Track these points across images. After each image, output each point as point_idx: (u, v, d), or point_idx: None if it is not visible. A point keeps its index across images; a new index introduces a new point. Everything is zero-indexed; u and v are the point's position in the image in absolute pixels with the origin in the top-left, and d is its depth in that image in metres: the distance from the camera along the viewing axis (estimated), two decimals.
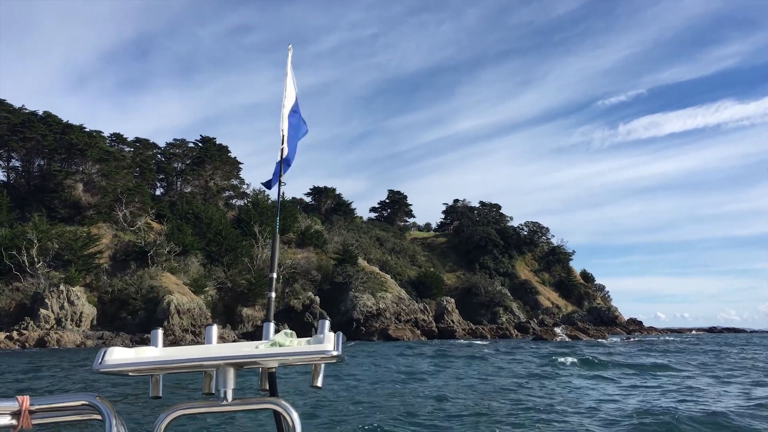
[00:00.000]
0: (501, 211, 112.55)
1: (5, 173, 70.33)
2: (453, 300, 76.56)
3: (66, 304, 51.62)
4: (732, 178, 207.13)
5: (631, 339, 65.20)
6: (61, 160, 68.83)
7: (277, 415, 2.00)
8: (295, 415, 1.89)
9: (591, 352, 33.77)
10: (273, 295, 2.81)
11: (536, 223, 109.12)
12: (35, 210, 61.10)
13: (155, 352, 1.99)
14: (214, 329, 2.16)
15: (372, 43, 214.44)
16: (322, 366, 1.99)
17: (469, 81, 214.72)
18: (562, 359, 25.52)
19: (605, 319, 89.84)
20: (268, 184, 3.33)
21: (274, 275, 2.86)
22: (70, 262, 54.96)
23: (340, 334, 1.97)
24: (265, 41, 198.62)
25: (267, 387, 2.14)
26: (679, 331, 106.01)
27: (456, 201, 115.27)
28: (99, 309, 54.43)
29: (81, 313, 52.09)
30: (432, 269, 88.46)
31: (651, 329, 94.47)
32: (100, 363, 1.90)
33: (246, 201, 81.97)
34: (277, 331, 2.21)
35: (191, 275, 61.15)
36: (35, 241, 53.60)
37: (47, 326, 49.53)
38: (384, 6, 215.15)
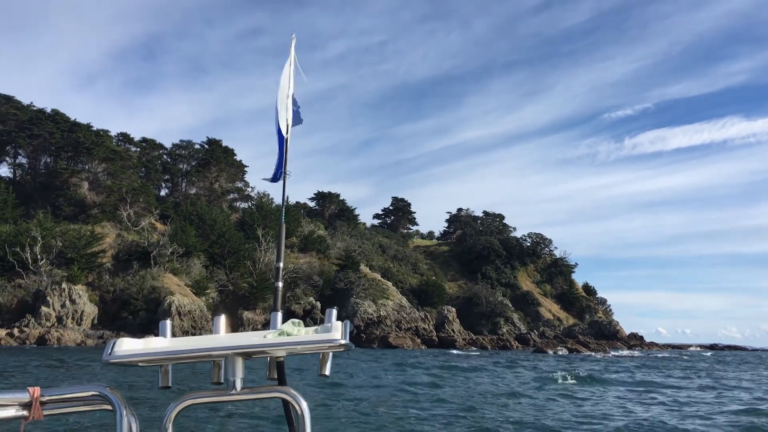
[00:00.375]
0: (504, 221, 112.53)
1: (12, 170, 70.64)
2: (454, 309, 76.45)
3: (67, 302, 51.71)
4: (737, 195, 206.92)
5: (632, 354, 64.98)
6: (68, 158, 69.10)
7: (286, 403, 2.01)
8: (304, 404, 1.90)
9: (589, 368, 33.65)
10: (280, 284, 2.80)
11: (539, 234, 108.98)
12: (40, 207, 61.29)
13: (164, 343, 2.00)
14: (222, 319, 2.15)
15: (380, 50, 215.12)
16: (330, 355, 2.00)
17: (476, 90, 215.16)
18: (558, 376, 25.41)
19: (606, 333, 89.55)
20: (273, 179, 3.28)
21: (281, 265, 2.87)
22: (73, 260, 55.07)
23: (348, 322, 1.97)
24: (274, 45, 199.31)
25: (275, 376, 2.14)
26: (680, 347, 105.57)
27: (460, 210, 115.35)
28: (100, 308, 54.51)
29: (82, 311, 52.17)
30: (434, 278, 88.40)
31: (652, 344, 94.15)
32: (110, 354, 1.91)
33: (250, 204, 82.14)
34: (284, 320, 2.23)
35: (193, 277, 61.22)
36: (39, 239, 53.75)
37: (48, 324, 49.61)
38: (393, 14, 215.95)
